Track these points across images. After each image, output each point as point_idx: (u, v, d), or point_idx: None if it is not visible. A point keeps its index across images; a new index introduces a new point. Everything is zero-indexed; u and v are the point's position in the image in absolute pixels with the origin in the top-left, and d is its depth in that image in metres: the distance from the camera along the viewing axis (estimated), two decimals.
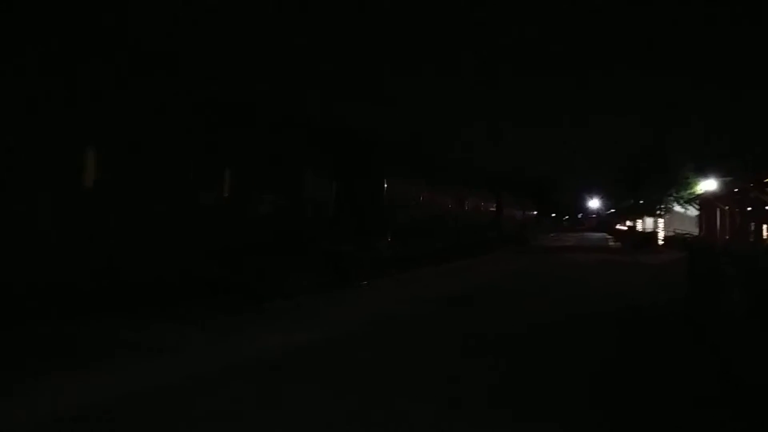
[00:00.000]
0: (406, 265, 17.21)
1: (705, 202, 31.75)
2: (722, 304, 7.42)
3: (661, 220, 37.07)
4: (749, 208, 24.85)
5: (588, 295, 12.23)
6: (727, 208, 28.20)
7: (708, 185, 27.96)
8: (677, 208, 35.86)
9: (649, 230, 39.29)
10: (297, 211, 12.31)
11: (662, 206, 35.91)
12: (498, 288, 13.72)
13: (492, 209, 30.30)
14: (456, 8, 15.04)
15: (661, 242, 34.86)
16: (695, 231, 35.21)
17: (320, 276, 12.60)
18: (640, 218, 44.33)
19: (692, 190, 31.96)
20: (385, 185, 15.89)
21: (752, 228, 24.71)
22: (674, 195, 34.26)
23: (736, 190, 25.45)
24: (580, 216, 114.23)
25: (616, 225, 61.00)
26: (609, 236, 56.17)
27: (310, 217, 12.94)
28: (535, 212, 48.18)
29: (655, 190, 34.59)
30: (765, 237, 23.28)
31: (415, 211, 18.34)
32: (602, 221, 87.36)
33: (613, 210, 71.24)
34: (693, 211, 35.73)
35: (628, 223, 50.51)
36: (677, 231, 35.49)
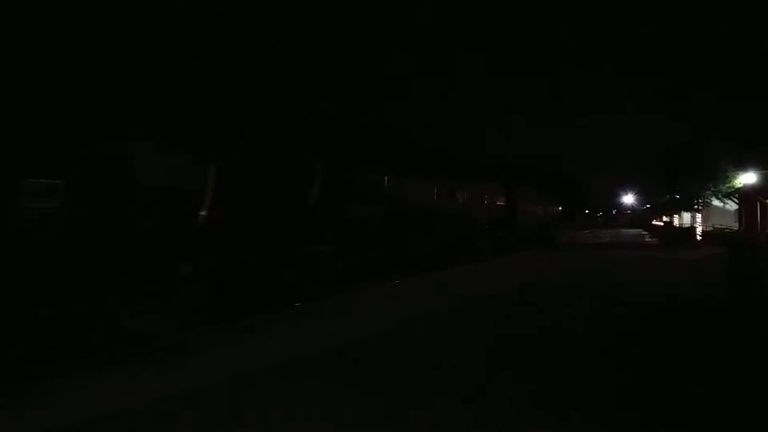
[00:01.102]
0: (362, 278, 12.72)
1: (744, 195, 30.97)
2: (765, 302, 7.30)
3: (698, 215, 36.28)
4: None
5: (620, 294, 12.08)
6: None
7: (747, 178, 27.32)
8: (715, 202, 35.03)
9: (687, 225, 38.47)
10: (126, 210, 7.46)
11: (700, 201, 35.12)
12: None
13: (502, 204, 25.30)
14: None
15: (699, 237, 34.11)
16: (734, 225, 34.36)
17: (169, 313, 7.87)
18: (676, 213, 43.44)
19: (731, 184, 31.23)
20: (317, 169, 11.15)
21: None
22: (712, 189, 33.51)
23: None
24: (614, 212, 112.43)
25: (651, 221, 59.84)
26: (645, 232, 55.11)
27: (160, 217, 8.02)
28: (560, 207, 42.86)
29: (693, 184, 33.89)
30: None
31: (383, 205, 14.01)
32: (637, 217, 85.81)
33: (648, 205, 69.94)
34: (732, 206, 34.87)
35: (664, 218, 49.53)
36: (716, 226, 34.70)
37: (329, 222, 11.71)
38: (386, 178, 14.36)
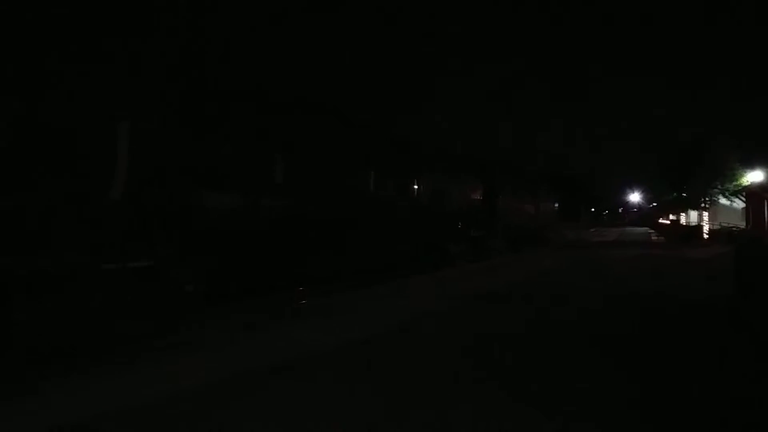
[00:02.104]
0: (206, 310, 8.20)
1: (751, 193, 30.80)
2: None
3: (705, 214, 36.13)
4: None
5: (621, 294, 11.96)
6: None
7: (754, 176, 27.16)
8: (723, 200, 34.86)
9: (694, 224, 38.32)
10: None
11: (707, 199, 34.96)
12: None
13: (480, 200, 21.12)
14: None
15: (706, 236, 33.94)
16: (742, 224, 34.17)
17: None
18: (683, 212, 43.25)
19: (738, 182, 31.07)
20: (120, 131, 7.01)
21: None
22: (719, 187, 33.36)
23: None
24: (620, 210, 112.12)
25: (658, 219, 59.60)
26: (651, 230, 54.89)
27: None
28: (557, 204, 38.57)
29: (700, 182, 33.74)
30: None
31: (281, 199, 9.96)
32: (644, 215, 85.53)
33: (655, 204, 69.64)
34: (739, 204, 34.70)
35: (671, 216, 49.32)
36: (723, 224, 34.56)
37: (171, 221, 7.58)
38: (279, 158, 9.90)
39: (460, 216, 18.81)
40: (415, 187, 15.47)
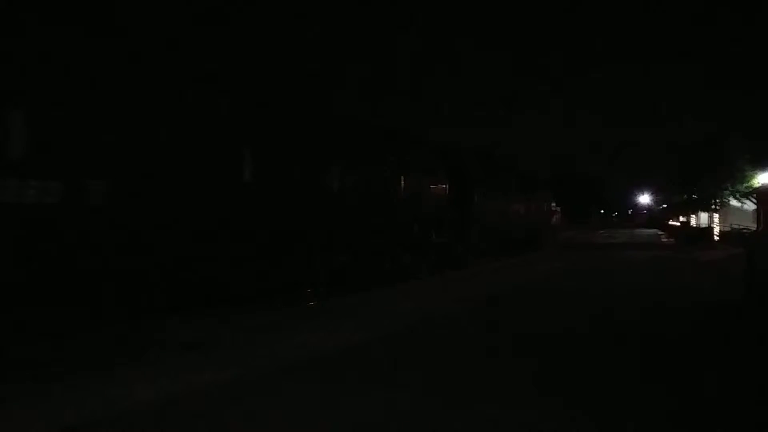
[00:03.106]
0: None
1: (763, 195, 30.56)
2: None
3: (716, 215, 35.93)
4: None
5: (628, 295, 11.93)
6: None
7: (765, 178, 27.01)
8: (733, 202, 34.64)
9: (704, 225, 38.09)
10: None
11: (717, 201, 34.76)
12: None
13: (450, 197, 16.71)
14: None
15: (716, 238, 33.77)
16: (753, 226, 33.96)
17: None
18: (693, 213, 43.05)
19: (749, 183, 30.88)
20: None
21: None
22: (730, 189, 33.16)
23: None
24: (630, 212, 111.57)
25: (668, 221, 59.27)
26: (661, 232, 54.57)
27: None
28: (555, 204, 34.99)
29: (710, 184, 33.56)
30: None
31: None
32: (653, 217, 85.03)
33: (665, 205, 69.27)
34: (750, 206, 34.48)
35: (681, 218, 49.07)
36: (734, 226, 34.34)
37: None
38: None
39: (419, 217, 14.81)
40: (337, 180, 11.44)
